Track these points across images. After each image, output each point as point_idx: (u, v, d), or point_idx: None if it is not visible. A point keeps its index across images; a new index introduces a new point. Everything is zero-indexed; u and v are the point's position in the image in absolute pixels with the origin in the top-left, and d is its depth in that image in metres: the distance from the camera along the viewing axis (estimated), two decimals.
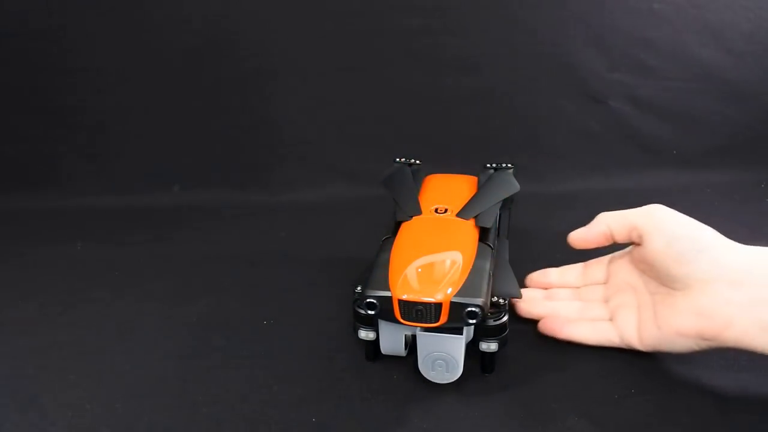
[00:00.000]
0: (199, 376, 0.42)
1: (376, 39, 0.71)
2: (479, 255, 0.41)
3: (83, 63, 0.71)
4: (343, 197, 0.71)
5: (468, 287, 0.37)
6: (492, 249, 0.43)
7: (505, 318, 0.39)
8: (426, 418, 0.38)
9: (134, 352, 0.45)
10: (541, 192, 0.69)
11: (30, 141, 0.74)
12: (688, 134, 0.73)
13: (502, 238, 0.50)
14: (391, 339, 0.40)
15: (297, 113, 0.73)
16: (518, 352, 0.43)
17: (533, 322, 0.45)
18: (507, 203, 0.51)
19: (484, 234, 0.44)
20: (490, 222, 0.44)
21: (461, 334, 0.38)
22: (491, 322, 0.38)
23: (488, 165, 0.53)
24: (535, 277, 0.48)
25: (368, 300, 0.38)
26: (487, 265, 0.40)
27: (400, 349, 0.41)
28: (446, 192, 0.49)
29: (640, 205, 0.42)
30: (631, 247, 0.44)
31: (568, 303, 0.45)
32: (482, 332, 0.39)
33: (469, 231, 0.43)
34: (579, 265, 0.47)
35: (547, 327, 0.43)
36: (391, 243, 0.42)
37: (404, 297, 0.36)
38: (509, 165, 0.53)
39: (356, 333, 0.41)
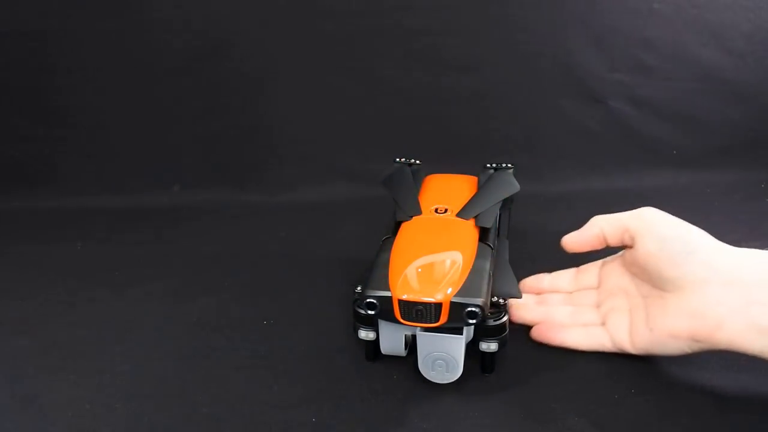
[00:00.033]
0: (199, 376, 0.42)
1: (376, 39, 0.71)
2: (479, 255, 0.41)
3: (83, 63, 0.71)
4: (343, 197, 0.71)
5: (468, 287, 0.37)
6: (492, 249, 0.43)
7: (505, 318, 0.39)
8: (426, 418, 0.38)
9: (134, 352, 0.45)
10: (541, 192, 0.69)
11: (30, 141, 0.74)
12: (688, 134, 0.73)
13: (502, 238, 0.50)
14: (391, 339, 0.40)
15: (297, 113, 0.73)
16: (518, 352, 0.43)
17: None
18: (507, 203, 0.51)
19: (484, 234, 0.44)
20: (490, 222, 0.44)
21: (461, 334, 0.38)
22: (491, 322, 0.38)
23: (488, 165, 0.53)
24: (528, 282, 0.48)
25: (368, 300, 0.38)
26: (487, 265, 0.40)
27: (400, 349, 0.41)
28: (446, 192, 0.49)
29: (640, 206, 0.42)
30: (623, 251, 0.44)
31: (559, 308, 0.45)
32: (482, 332, 0.39)
33: (469, 231, 0.43)
34: (571, 270, 0.47)
35: (540, 334, 0.43)
36: (391, 243, 0.42)
37: (404, 297, 0.36)
38: (509, 165, 0.53)
39: (356, 333, 0.41)
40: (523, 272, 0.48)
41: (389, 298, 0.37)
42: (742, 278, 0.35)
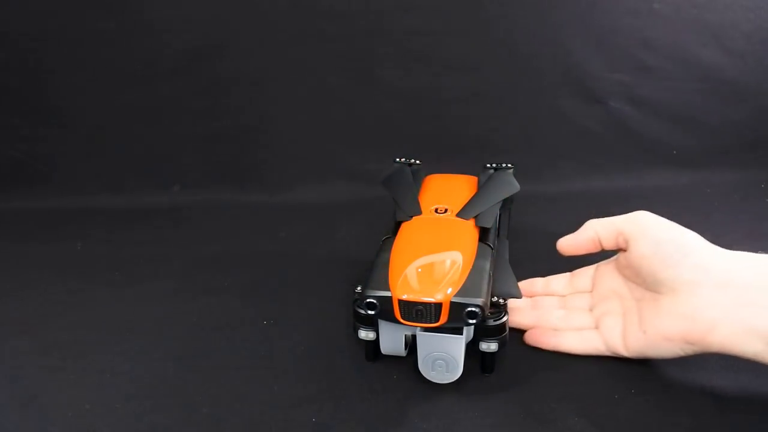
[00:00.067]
0: (199, 376, 0.42)
1: (376, 39, 0.71)
2: (479, 255, 0.41)
3: (83, 63, 0.71)
4: (343, 197, 0.71)
5: (468, 287, 0.37)
6: (492, 249, 0.43)
7: (505, 318, 0.39)
8: (426, 418, 0.38)
9: (134, 352, 0.45)
10: (541, 192, 0.69)
11: (30, 141, 0.74)
12: (688, 134, 0.73)
13: (502, 238, 0.50)
14: (391, 339, 0.40)
15: (297, 113, 0.73)
16: (518, 352, 0.43)
17: None
18: (507, 203, 0.51)
19: (484, 234, 0.44)
20: (490, 222, 0.44)
21: (461, 334, 0.38)
22: (491, 322, 0.38)
23: (488, 165, 0.53)
24: (522, 286, 0.48)
25: (368, 300, 0.38)
26: (487, 265, 0.40)
27: (400, 349, 0.41)
28: (446, 192, 0.49)
29: (641, 206, 0.43)
30: (617, 254, 0.44)
31: (553, 312, 0.45)
32: (482, 332, 0.39)
33: (469, 231, 0.43)
34: (566, 275, 0.47)
35: (533, 338, 0.43)
36: (391, 243, 0.42)
37: (404, 297, 0.36)
38: (509, 165, 0.53)
39: (356, 333, 0.41)
40: (523, 272, 0.48)
41: (389, 298, 0.37)
42: (735, 281, 0.35)
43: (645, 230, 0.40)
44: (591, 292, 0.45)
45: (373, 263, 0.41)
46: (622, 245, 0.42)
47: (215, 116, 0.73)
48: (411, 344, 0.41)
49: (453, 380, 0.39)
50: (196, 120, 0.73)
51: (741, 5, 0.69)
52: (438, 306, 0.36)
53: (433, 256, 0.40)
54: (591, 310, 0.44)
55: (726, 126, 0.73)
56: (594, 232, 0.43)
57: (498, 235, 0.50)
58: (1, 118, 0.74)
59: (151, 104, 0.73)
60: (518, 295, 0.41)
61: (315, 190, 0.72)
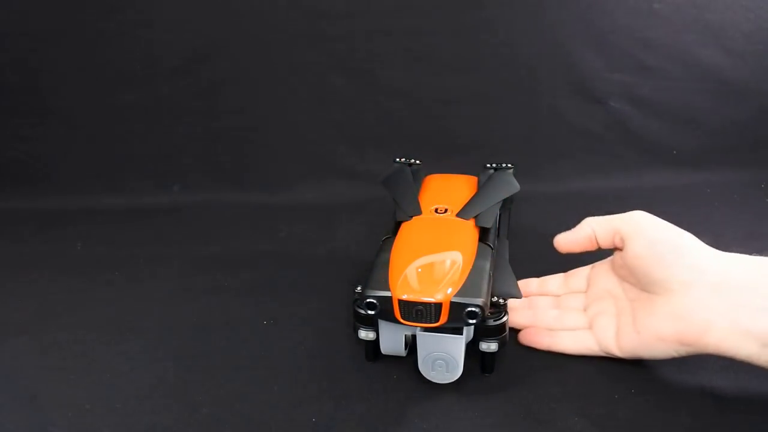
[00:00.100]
0: (199, 376, 0.42)
1: (376, 39, 0.71)
2: (479, 255, 0.41)
3: (83, 63, 0.71)
4: (343, 197, 0.71)
5: (468, 287, 0.37)
6: (492, 249, 0.43)
7: (505, 318, 0.39)
8: (426, 418, 0.38)
9: (134, 352, 0.45)
10: (540, 192, 0.69)
11: (30, 141, 0.74)
12: (688, 134, 0.73)
13: (502, 238, 0.50)
14: (391, 339, 0.40)
15: (297, 113, 0.73)
16: (518, 352, 0.43)
17: None
18: (507, 203, 0.51)
19: (484, 234, 0.44)
20: (490, 222, 0.44)
21: (461, 334, 0.38)
22: (491, 322, 0.38)
23: (488, 165, 0.53)
24: None
25: (368, 300, 0.38)
26: (487, 265, 0.40)
27: (400, 349, 0.41)
28: (446, 192, 0.49)
29: (640, 206, 0.43)
30: (613, 254, 0.44)
31: (547, 311, 0.45)
32: (482, 332, 0.39)
33: (469, 231, 0.43)
34: (561, 275, 0.48)
35: (527, 338, 0.43)
36: (391, 243, 0.42)
37: (404, 297, 0.36)
38: (509, 165, 0.53)
39: (356, 333, 0.41)
40: (523, 272, 0.48)
41: (389, 298, 0.37)
42: (729, 282, 0.35)
43: (641, 230, 0.40)
44: (586, 292, 0.45)
45: (373, 263, 0.41)
46: (618, 244, 0.42)
47: (215, 116, 0.73)
48: (411, 344, 0.41)
49: (453, 380, 0.39)
50: (196, 120, 0.73)
51: (741, 5, 0.69)
52: (438, 306, 0.36)
53: (433, 256, 0.40)
54: (585, 310, 0.44)
55: (726, 126, 0.73)
56: (590, 230, 0.43)
57: (498, 235, 0.50)
58: (1, 118, 0.74)
59: (151, 104, 0.73)
60: (518, 295, 0.41)
61: (315, 190, 0.72)
